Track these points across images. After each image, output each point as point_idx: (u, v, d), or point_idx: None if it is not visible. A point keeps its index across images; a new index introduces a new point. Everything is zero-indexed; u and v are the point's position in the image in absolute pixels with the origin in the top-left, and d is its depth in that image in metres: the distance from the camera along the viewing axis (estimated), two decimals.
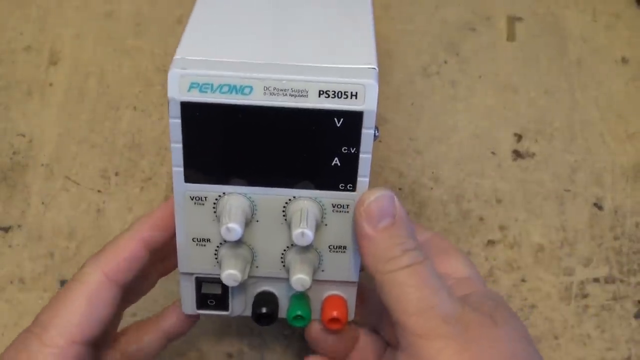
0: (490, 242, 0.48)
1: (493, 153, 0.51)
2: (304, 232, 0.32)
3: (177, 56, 0.32)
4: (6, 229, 0.48)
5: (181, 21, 0.55)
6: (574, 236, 0.48)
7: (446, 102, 0.53)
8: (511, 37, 0.56)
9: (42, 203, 0.49)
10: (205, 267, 0.36)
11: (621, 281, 0.47)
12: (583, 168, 0.51)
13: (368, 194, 0.33)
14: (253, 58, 0.32)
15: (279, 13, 0.36)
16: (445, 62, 0.55)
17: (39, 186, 0.49)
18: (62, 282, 0.46)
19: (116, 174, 0.50)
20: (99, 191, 0.49)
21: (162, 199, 0.49)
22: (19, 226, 0.48)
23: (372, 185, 0.33)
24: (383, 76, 0.54)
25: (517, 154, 0.51)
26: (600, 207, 0.49)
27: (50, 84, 0.53)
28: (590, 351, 0.45)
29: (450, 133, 0.52)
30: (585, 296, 0.47)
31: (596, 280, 0.47)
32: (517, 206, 0.49)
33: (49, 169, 0.50)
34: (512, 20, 0.56)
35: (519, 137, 0.52)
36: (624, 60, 0.55)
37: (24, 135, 0.51)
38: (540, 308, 0.46)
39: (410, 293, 0.31)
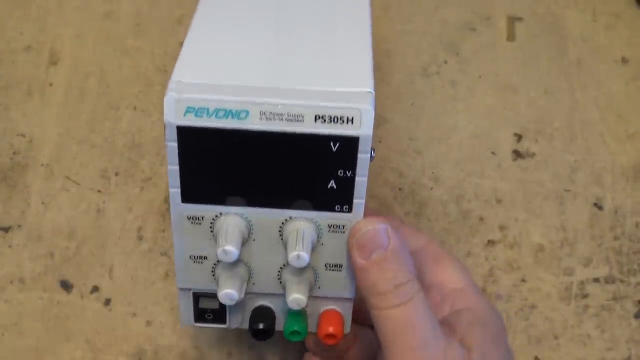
0: (490, 242, 0.48)
1: (493, 153, 0.51)
2: (299, 255, 0.32)
3: (173, 79, 0.32)
4: (6, 229, 0.48)
5: (181, 21, 0.55)
6: (574, 236, 0.48)
7: (446, 102, 0.53)
8: (511, 37, 0.56)
9: (42, 203, 0.49)
10: (202, 284, 0.36)
11: (621, 281, 0.47)
12: (583, 168, 0.51)
13: (360, 225, 0.33)
14: (249, 81, 0.32)
15: (275, 33, 0.36)
16: (445, 62, 0.55)
17: (39, 186, 0.49)
18: (62, 283, 0.46)
19: (116, 174, 0.50)
20: (99, 191, 0.49)
21: (162, 199, 0.49)
22: (19, 226, 0.48)
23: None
24: (383, 76, 0.54)
25: (517, 154, 0.51)
26: (600, 207, 0.49)
27: (50, 84, 0.53)
28: (590, 351, 0.45)
29: (450, 133, 0.52)
30: (585, 296, 0.47)
31: (596, 280, 0.47)
32: (517, 206, 0.49)
33: (49, 169, 0.50)
34: (512, 20, 0.56)
35: (519, 137, 0.52)
36: (624, 60, 0.55)
37: (24, 135, 0.51)
38: (540, 308, 0.46)
39: (395, 333, 0.32)
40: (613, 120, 0.52)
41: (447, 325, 0.35)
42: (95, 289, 0.46)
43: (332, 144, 0.32)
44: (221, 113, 0.31)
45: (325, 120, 0.31)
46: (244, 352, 0.45)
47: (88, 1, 0.57)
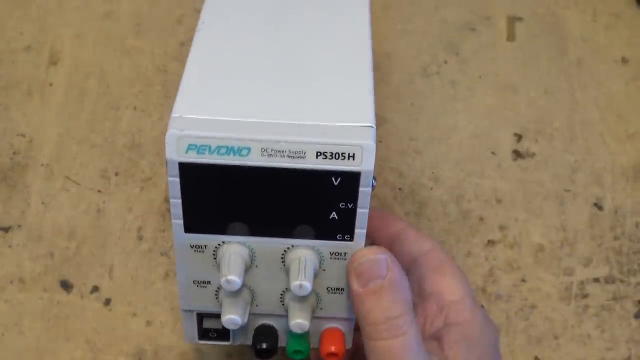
0: (490, 242, 0.48)
1: (493, 153, 0.51)
2: (302, 284, 0.33)
3: (174, 114, 0.32)
4: (6, 229, 0.48)
5: (181, 21, 0.55)
6: (574, 236, 0.48)
7: (446, 102, 0.53)
8: (511, 37, 0.56)
9: (42, 203, 0.49)
10: (206, 305, 0.36)
11: (621, 281, 0.47)
12: (583, 168, 0.51)
13: (360, 254, 0.33)
14: (251, 116, 0.32)
15: (275, 63, 0.36)
16: (445, 62, 0.55)
17: (39, 186, 0.49)
18: (62, 283, 0.46)
19: (116, 174, 0.50)
20: (99, 191, 0.49)
21: (162, 199, 0.49)
22: (19, 226, 0.48)
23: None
24: (383, 76, 0.54)
25: (517, 154, 0.51)
26: (600, 207, 0.49)
27: (50, 84, 0.53)
28: (590, 351, 0.45)
29: (450, 133, 0.52)
30: (585, 296, 0.47)
31: (596, 280, 0.47)
32: (517, 206, 0.49)
33: (49, 169, 0.50)
34: (512, 20, 0.56)
35: (519, 137, 0.52)
36: (624, 60, 0.55)
37: (24, 135, 0.51)
38: (540, 308, 0.46)
39: None
40: (613, 120, 0.52)
41: (436, 339, 0.35)
42: (95, 289, 0.46)
43: (333, 178, 0.32)
44: (223, 150, 0.31)
45: (326, 157, 0.31)
46: (244, 353, 0.45)
47: (88, 1, 0.57)
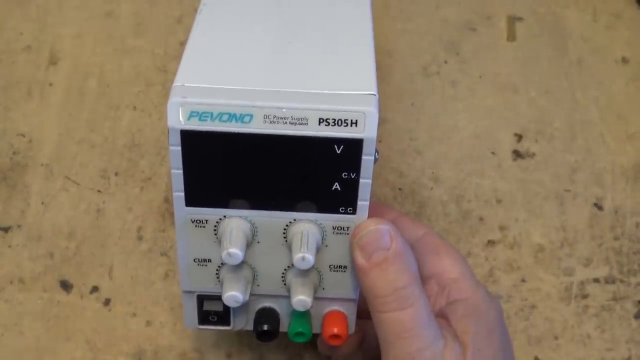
0: (490, 242, 0.48)
1: (493, 153, 0.51)
2: (304, 257, 0.32)
3: (176, 83, 0.32)
4: (6, 229, 0.48)
5: (181, 21, 0.55)
6: (574, 236, 0.48)
7: (446, 102, 0.53)
8: (511, 37, 0.56)
9: (42, 203, 0.49)
10: (206, 286, 0.36)
11: (621, 281, 0.47)
12: (583, 168, 0.50)
13: (362, 226, 0.33)
14: (253, 84, 0.32)
15: (277, 33, 0.36)
16: (446, 62, 0.55)
17: (39, 186, 0.49)
18: (62, 283, 0.46)
19: (116, 174, 0.50)
20: (99, 191, 0.49)
21: (162, 199, 0.49)
22: (19, 226, 0.48)
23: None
24: (383, 76, 0.54)
25: (517, 154, 0.51)
26: (600, 207, 0.49)
27: (50, 84, 0.53)
28: (590, 351, 0.45)
29: (451, 133, 0.52)
30: (585, 296, 0.47)
31: (596, 280, 0.47)
32: (517, 206, 0.49)
33: (48, 169, 0.50)
34: (513, 20, 0.56)
35: (519, 137, 0.52)
36: (624, 60, 0.55)
37: (24, 135, 0.51)
38: (540, 308, 0.46)
39: (395, 337, 0.32)
40: (613, 120, 0.52)
41: (442, 317, 0.35)
42: (95, 289, 0.46)
43: (336, 146, 0.31)
44: (225, 117, 0.31)
45: (329, 123, 0.31)
46: (244, 353, 0.45)
47: (88, 1, 0.57)
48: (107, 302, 0.46)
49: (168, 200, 0.49)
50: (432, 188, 0.50)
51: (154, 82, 0.53)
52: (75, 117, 0.52)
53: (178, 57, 0.54)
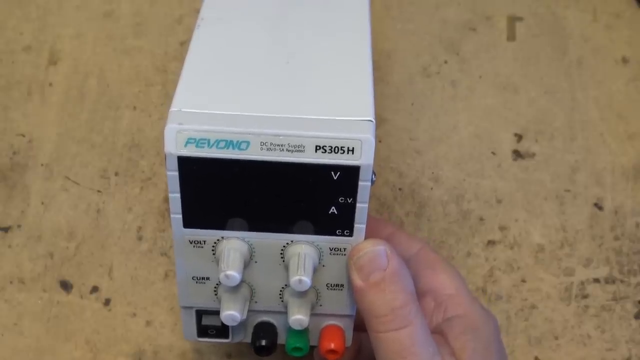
0: (490, 242, 0.48)
1: (493, 153, 0.51)
2: (301, 280, 0.33)
3: (173, 108, 0.32)
4: (6, 229, 0.48)
5: (181, 21, 0.55)
6: (574, 236, 0.48)
7: (446, 102, 0.53)
8: (511, 37, 0.56)
9: (42, 203, 0.49)
10: (205, 302, 0.36)
11: (621, 281, 0.47)
12: (583, 168, 0.50)
13: (359, 247, 0.33)
14: (250, 109, 0.32)
15: (275, 53, 0.36)
16: (446, 62, 0.54)
17: (39, 186, 0.49)
18: (62, 283, 0.46)
19: (116, 174, 0.50)
20: (98, 191, 0.49)
21: (162, 199, 0.49)
22: (19, 226, 0.48)
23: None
24: (383, 76, 0.54)
25: (518, 154, 0.51)
26: (600, 207, 0.49)
27: (50, 84, 0.53)
28: (590, 352, 0.45)
29: (451, 133, 0.52)
30: (585, 296, 0.47)
31: (596, 280, 0.47)
32: (517, 206, 0.49)
33: (48, 169, 0.50)
34: (513, 20, 0.56)
35: (519, 137, 0.52)
36: (624, 60, 0.55)
37: (23, 135, 0.51)
38: (540, 308, 0.46)
39: (392, 358, 0.32)
40: (613, 120, 0.52)
41: (439, 334, 0.35)
42: (95, 289, 0.46)
43: (332, 173, 0.32)
44: (222, 144, 0.31)
45: (325, 151, 0.31)
46: (244, 353, 0.45)
47: (88, 1, 0.57)
48: (107, 302, 0.46)
49: (168, 199, 0.49)
50: (432, 188, 0.50)
51: (154, 82, 0.53)
52: (75, 117, 0.52)
53: (178, 57, 0.54)
